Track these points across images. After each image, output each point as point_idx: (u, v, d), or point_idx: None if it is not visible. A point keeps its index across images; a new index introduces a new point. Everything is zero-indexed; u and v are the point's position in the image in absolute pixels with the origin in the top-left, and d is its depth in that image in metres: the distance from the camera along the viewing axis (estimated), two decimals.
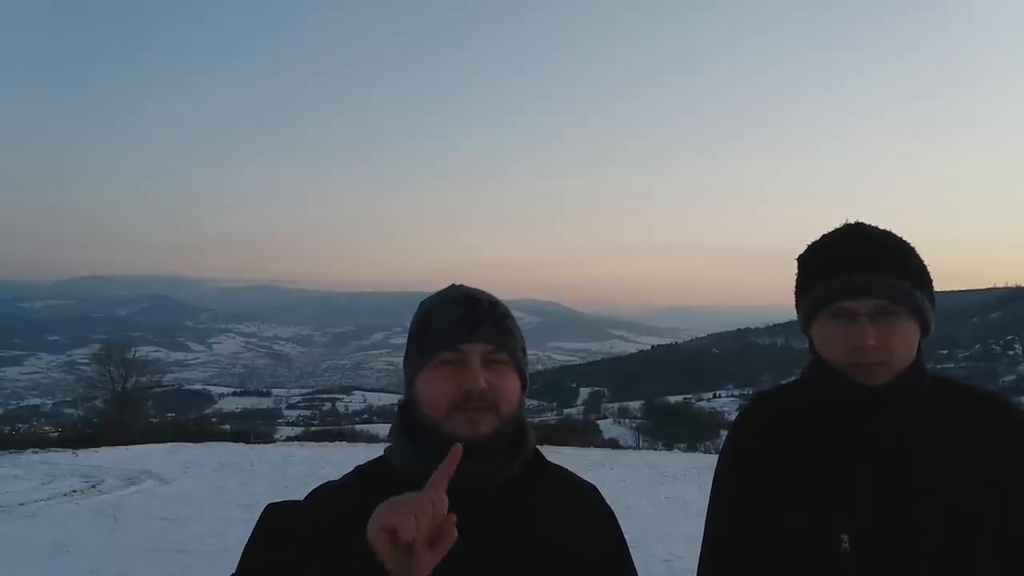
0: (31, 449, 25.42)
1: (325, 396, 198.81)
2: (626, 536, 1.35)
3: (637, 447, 46.40)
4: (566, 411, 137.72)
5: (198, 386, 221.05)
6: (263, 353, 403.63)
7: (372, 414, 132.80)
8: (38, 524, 10.70)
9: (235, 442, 30.28)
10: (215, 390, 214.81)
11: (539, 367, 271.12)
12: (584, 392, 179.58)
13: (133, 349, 44.25)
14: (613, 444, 45.86)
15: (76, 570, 7.71)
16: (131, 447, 24.93)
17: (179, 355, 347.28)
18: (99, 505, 12.72)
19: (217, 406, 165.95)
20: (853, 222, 1.40)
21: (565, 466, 1.35)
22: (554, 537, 1.20)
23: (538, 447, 1.29)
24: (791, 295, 1.44)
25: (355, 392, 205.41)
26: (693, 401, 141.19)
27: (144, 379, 41.26)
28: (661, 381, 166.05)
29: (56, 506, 12.64)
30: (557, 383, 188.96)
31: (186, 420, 66.42)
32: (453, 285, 1.29)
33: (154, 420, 45.49)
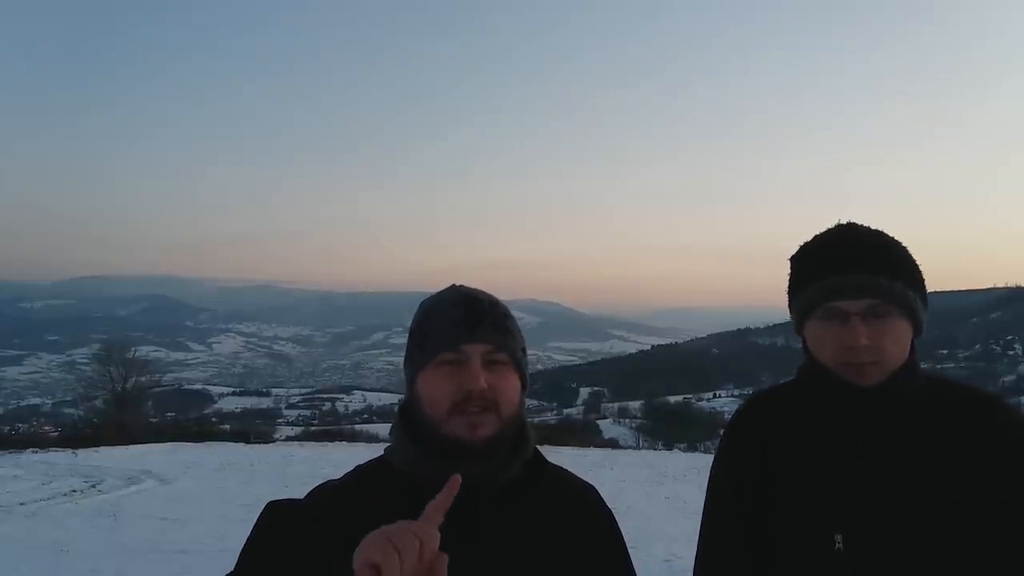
0: (31, 449, 25.43)
1: (325, 396, 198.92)
2: (626, 536, 1.35)
3: (637, 447, 46.35)
4: (566, 411, 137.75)
5: (198, 386, 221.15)
6: (263, 353, 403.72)
7: (372, 414, 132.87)
8: (38, 524, 10.69)
9: (235, 442, 30.29)
10: (215, 390, 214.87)
11: (539, 367, 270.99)
12: (584, 392, 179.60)
13: (133, 349, 44.20)
14: (613, 444, 45.84)
15: (76, 570, 7.71)
16: (131, 447, 24.94)
17: (179, 355, 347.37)
18: (99, 505, 12.72)
19: (217, 406, 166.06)
20: (845, 222, 1.40)
21: (565, 466, 1.35)
22: (553, 537, 1.21)
23: (538, 447, 1.29)
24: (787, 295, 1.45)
25: (355, 392, 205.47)
26: (693, 401, 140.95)
27: (144, 379, 41.27)
28: (661, 381, 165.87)
29: (56, 506, 12.64)
30: (557, 383, 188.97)
31: (186, 420, 66.44)
32: (453, 285, 1.30)
33: (154, 420, 45.48)
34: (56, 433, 45.34)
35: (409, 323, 1.28)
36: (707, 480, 1.52)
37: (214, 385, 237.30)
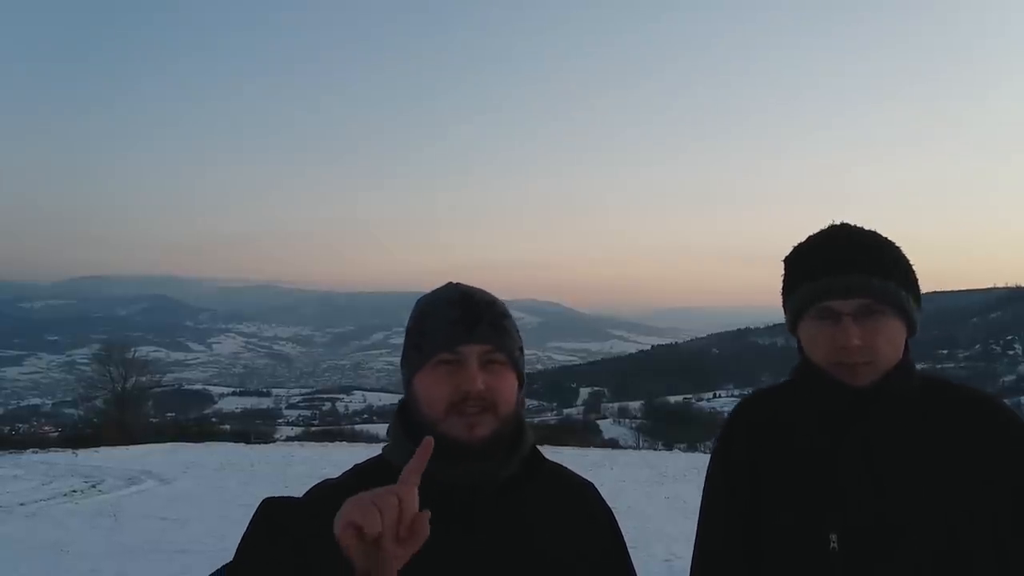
0: (31, 449, 25.43)
1: (325, 396, 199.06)
2: (626, 536, 1.36)
3: (637, 447, 46.46)
4: (566, 411, 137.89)
5: (198, 386, 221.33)
6: (263, 353, 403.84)
7: (372, 414, 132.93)
8: (38, 524, 10.69)
9: (235, 442, 30.31)
10: (215, 390, 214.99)
11: (539, 367, 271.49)
12: (584, 392, 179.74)
13: (133, 349, 44.26)
14: (613, 444, 45.91)
15: (76, 570, 7.71)
16: (131, 447, 24.96)
17: (179, 355, 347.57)
18: (99, 505, 12.72)
19: (217, 406, 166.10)
20: (838, 223, 1.41)
21: (565, 466, 1.36)
22: (551, 535, 1.21)
23: (536, 446, 1.29)
24: None
25: (355, 392, 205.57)
26: (693, 401, 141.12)
27: (144, 379, 41.31)
28: (661, 381, 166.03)
29: (56, 506, 12.64)
30: (557, 383, 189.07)
31: (186, 420, 66.39)
32: (450, 283, 1.29)
33: (154, 420, 45.50)
34: (56, 433, 45.34)
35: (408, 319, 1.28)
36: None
37: (214, 385, 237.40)
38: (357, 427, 63.66)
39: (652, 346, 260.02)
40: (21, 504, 12.65)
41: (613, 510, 1.36)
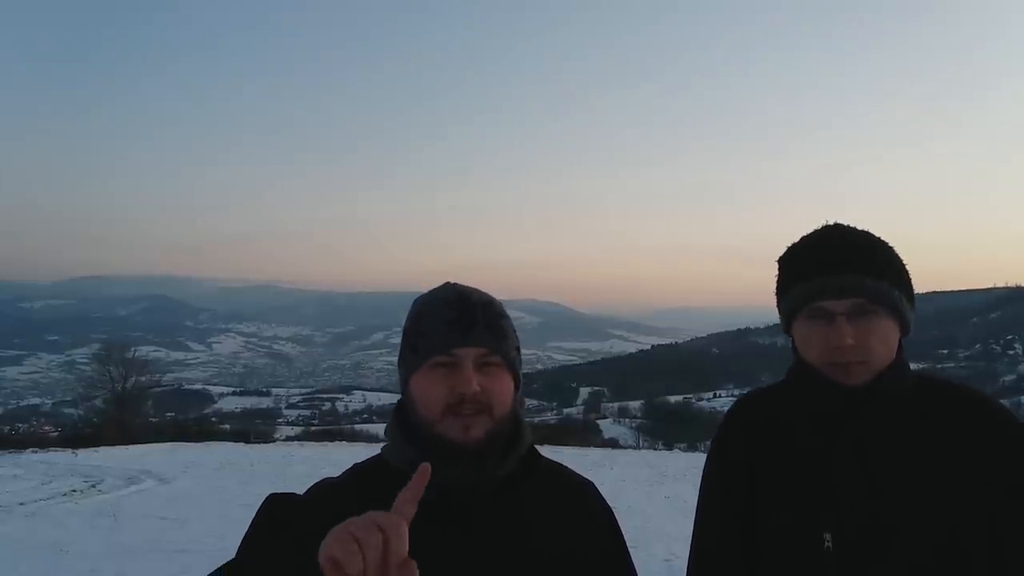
0: (31, 449, 25.43)
1: (325, 396, 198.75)
2: (626, 536, 1.35)
3: (637, 447, 46.36)
4: (566, 411, 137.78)
5: (198, 386, 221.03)
6: (263, 353, 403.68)
7: (372, 414, 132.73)
8: (38, 524, 10.68)
9: (235, 442, 30.27)
10: (215, 390, 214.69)
11: (539, 367, 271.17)
12: (584, 392, 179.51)
13: (133, 349, 44.24)
14: (613, 444, 45.88)
15: (76, 570, 7.70)
16: (131, 447, 24.94)
17: (179, 355, 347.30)
18: (99, 505, 12.70)
19: (217, 406, 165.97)
20: (831, 223, 1.42)
21: (564, 465, 1.36)
22: (549, 534, 1.20)
23: (535, 445, 1.29)
24: None
25: (355, 392, 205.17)
26: (693, 401, 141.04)
27: (144, 379, 41.32)
28: (661, 381, 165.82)
29: (56, 506, 12.62)
30: (557, 383, 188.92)
31: (186, 420, 66.40)
32: (447, 283, 1.28)
33: (154, 420, 45.56)
34: (56, 433, 45.35)
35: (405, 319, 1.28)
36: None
37: (214, 385, 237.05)
38: (357, 427, 63.56)
39: (652, 346, 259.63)
40: (21, 504, 12.64)
41: (613, 510, 1.36)
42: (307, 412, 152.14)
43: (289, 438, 42.53)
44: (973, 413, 1.34)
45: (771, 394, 1.51)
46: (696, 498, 1.53)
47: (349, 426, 65.69)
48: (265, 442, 33.25)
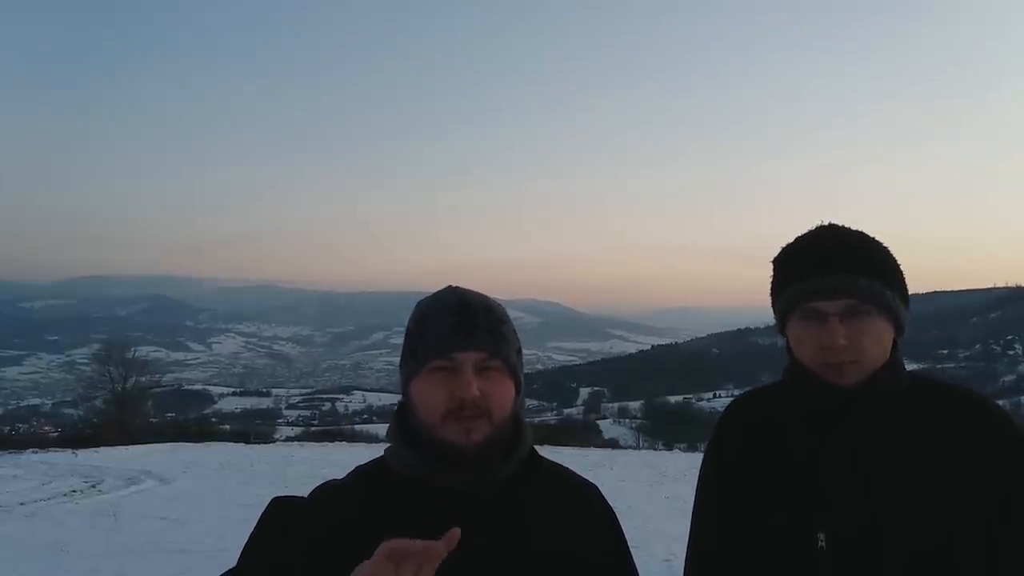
0: (31, 449, 25.46)
1: (325, 396, 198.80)
2: (626, 536, 1.35)
3: (637, 447, 46.38)
4: (566, 411, 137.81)
5: (198, 386, 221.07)
6: (263, 353, 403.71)
7: (372, 414, 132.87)
8: (38, 524, 10.68)
9: (235, 442, 30.32)
10: (215, 390, 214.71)
11: (539, 367, 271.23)
12: (584, 392, 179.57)
13: (133, 349, 44.30)
14: (613, 444, 45.89)
15: (76, 570, 7.71)
16: (131, 447, 24.97)
17: (179, 355, 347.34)
18: (99, 505, 12.71)
19: (217, 406, 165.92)
20: (826, 223, 1.42)
21: (566, 467, 1.37)
22: (550, 536, 1.21)
23: (536, 447, 1.29)
24: None
25: (355, 392, 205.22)
26: (693, 401, 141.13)
27: (144, 379, 41.35)
28: (661, 381, 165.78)
29: (56, 506, 12.63)
30: (557, 383, 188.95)
31: (186, 420, 66.45)
32: (449, 287, 1.29)
33: (154, 420, 45.58)
34: (56, 433, 45.39)
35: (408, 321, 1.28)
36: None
37: (214, 385, 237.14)
38: (357, 427, 63.63)
39: (652, 346, 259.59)
40: (21, 504, 12.65)
41: (613, 510, 1.36)
42: (307, 412, 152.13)
43: (289, 438, 42.53)
44: (969, 414, 1.34)
45: (767, 394, 1.52)
46: None
47: (349, 426, 65.70)
48: (265, 442, 33.27)
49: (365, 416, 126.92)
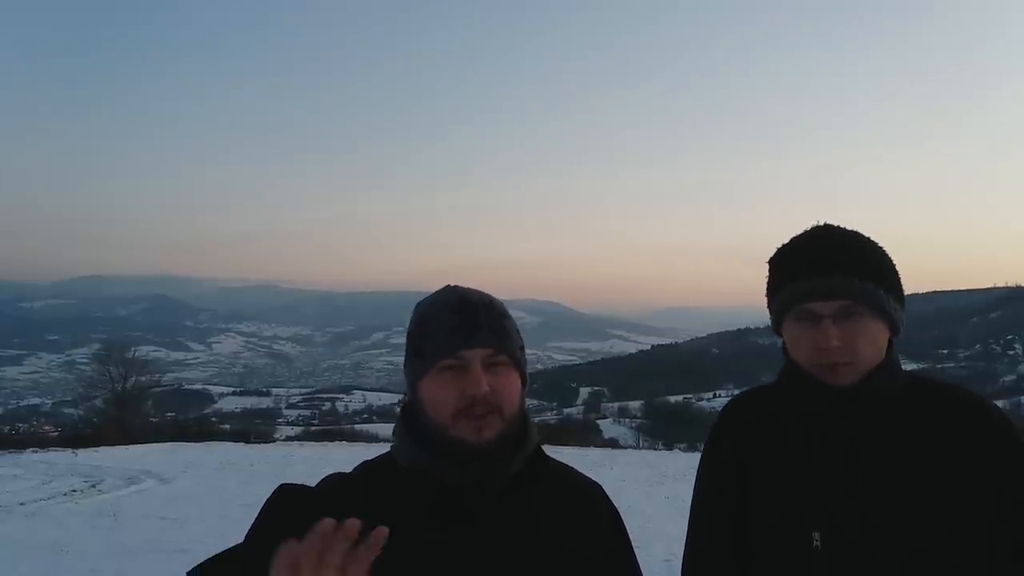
0: (31, 449, 25.43)
1: (325, 396, 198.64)
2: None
3: (637, 447, 46.34)
4: (566, 411, 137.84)
5: (198, 386, 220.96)
6: (263, 353, 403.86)
7: (372, 414, 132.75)
8: (38, 524, 10.67)
9: (235, 442, 30.27)
10: (215, 390, 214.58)
11: (539, 367, 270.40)
12: (584, 392, 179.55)
13: (133, 349, 44.24)
14: (613, 444, 45.85)
15: (76, 570, 7.70)
16: (131, 447, 24.94)
17: (179, 355, 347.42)
18: (99, 505, 12.70)
19: (217, 406, 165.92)
20: (821, 224, 1.42)
21: (572, 467, 1.37)
22: (554, 535, 1.21)
23: (541, 446, 1.29)
24: None
25: (355, 392, 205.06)
26: (693, 401, 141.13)
27: (144, 379, 41.31)
28: (661, 381, 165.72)
29: (56, 506, 12.62)
30: (557, 383, 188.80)
31: (186, 420, 66.39)
32: (448, 287, 1.30)
33: (154, 420, 45.53)
34: (56, 433, 45.34)
35: (407, 324, 1.29)
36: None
37: (214, 385, 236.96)
38: (357, 427, 63.61)
39: (652, 346, 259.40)
40: (21, 504, 12.64)
41: (618, 510, 1.36)
42: (307, 412, 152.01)
43: (289, 438, 42.53)
44: (965, 414, 1.34)
45: (763, 394, 1.53)
46: None
47: (349, 426, 65.69)
48: (265, 442, 33.23)
49: (365, 416, 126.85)
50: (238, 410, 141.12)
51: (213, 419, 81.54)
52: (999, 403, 1.38)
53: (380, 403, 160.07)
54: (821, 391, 1.35)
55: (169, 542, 9.23)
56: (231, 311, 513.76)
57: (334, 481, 1.22)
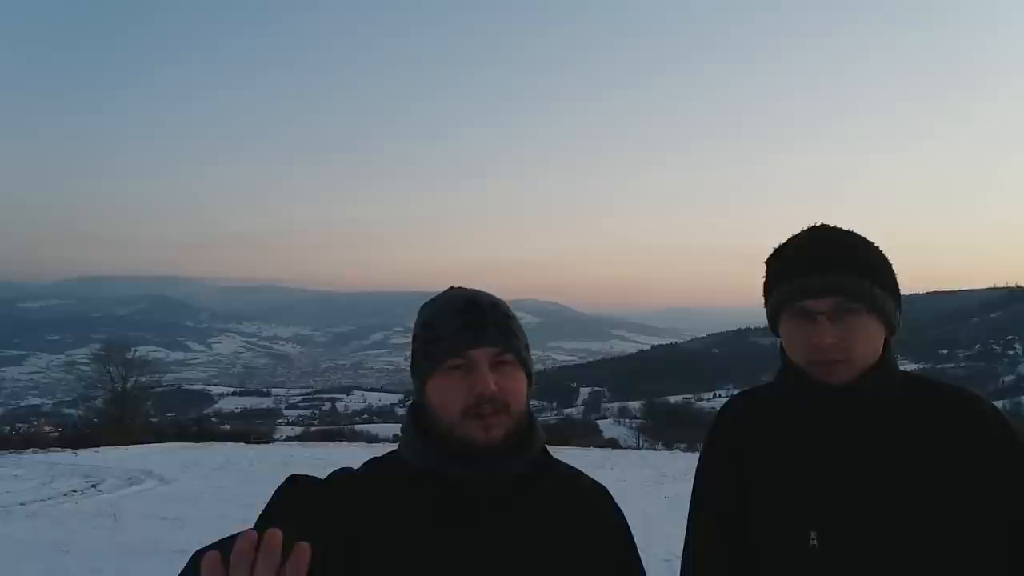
0: (31, 449, 25.40)
1: (325, 396, 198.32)
2: None
3: (637, 447, 46.31)
4: (566, 411, 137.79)
5: (198, 386, 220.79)
6: (263, 353, 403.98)
7: (372, 414, 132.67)
8: (38, 524, 10.67)
9: (235, 442, 30.23)
10: (215, 390, 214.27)
11: (539, 367, 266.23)
12: (584, 392, 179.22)
13: (133, 349, 44.15)
14: (613, 444, 45.73)
15: (76, 570, 7.71)
16: (131, 447, 24.92)
17: (179, 355, 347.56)
18: (99, 505, 12.70)
19: (217, 406, 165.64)
20: (818, 224, 1.43)
21: (579, 469, 1.37)
22: (559, 535, 1.21)
23: (547, 446, 1.30)
24: None
25: (355, 392, 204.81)
26: (693, 401, 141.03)
27: (144, 379, 41.21)
28: (661, 381, 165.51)
29: (56, 506, 12.62)
30: (557, 383, 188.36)
31: (186, 420, 66.29)
32: (452, 288, 1.31)
33: (154, 420, 45.44)
34: (56, 433, 45.29)
35: (409, 323, 1.29)
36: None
37: (214, 385, 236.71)
38: (357, 427, 63.61)
39: (652, 346, 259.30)
40: (21, 504, 12.64)
41: (623, 513, 1.36)
42: (307, 412, 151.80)
43: (289, 438, 42.43)
44: (961, 413, 1.34)
45: (761, 393, 1.53)
46: None
47: (349, 426, 65.59)
48: (265, 442, 33.17)
49: (365, 416, 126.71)
50: (238, 410, 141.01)
51: (213, 419, 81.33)
52: (999, 403, 1.44)
53: (380, 403, 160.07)
54: (817, 389, 1.35)
55: (169, 542, 9.22)
56: (231, 311, 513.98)
57: (343, 476, 1.23)
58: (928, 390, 1.39)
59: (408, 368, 1.31)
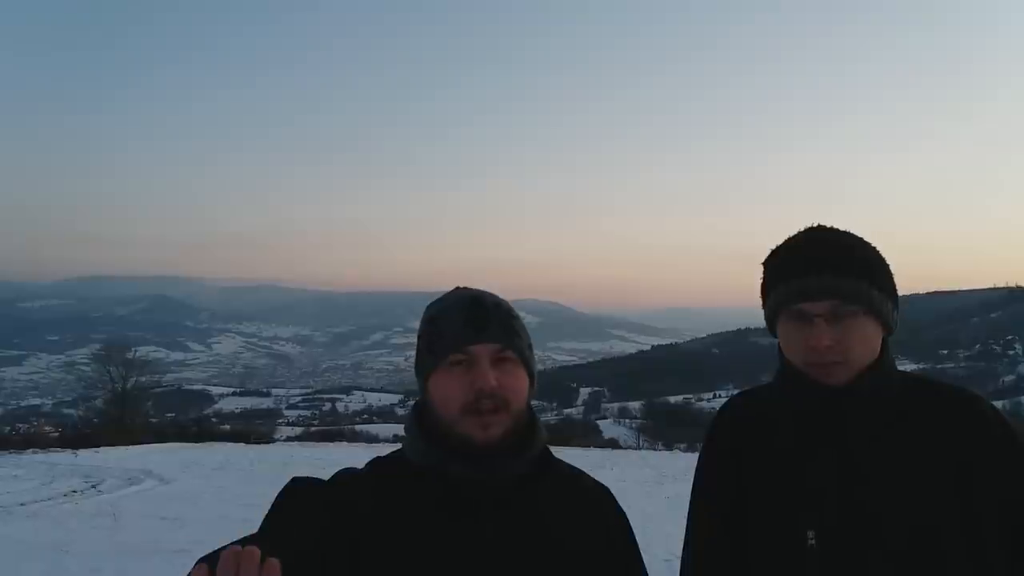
0: (31, 449, 25.40)
1: (325, 396, 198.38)
2: None
3: (637, 447, 46.32)
4: (566, 411, 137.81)
5: (198, 386, 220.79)
6: (263, 353, 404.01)
7: (372, 414, 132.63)
8: (38, 524, 10.68)
9: (235, 442, 30.25)
10: (215, 390, 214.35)
11: (539, 367, 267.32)
12: (584, 392, 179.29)
13: (133, 349, 44.19)
14: (613, 444, 45.74)
15: (76, 570, 7.71)
16: (131, 447, 24.94)
17: (179, 355, 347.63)
18: (99, 505, 12.71)
19: (217, 406, 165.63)
20: (815, 225, 1.43)
21: (581, 469, 1.38)
22: (560, 534, 1.22)
23: (548, 446, 1.31)
24: None
25: (355, 392, 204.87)
26: (693, 401, 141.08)
27: (144, 379, 41.23)
28: (661, 381, 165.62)
29: (56, 506, 12.63)
30: (557, 383, 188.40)
31: (186, 420, 66.30)
32: (458, 288, 1.33)
33: (154, 420, 45.44)
34: (56, 433, 45.31)
35: (409, 323, 1.81)
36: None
37: (214, 385, 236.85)
38: (357, 427, 63.62)
39: (652, 346, 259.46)
40: (21, 504, 12.65)
41: (626, 514, 1.37)
42: (307, 412, 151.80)
43: (289, 438, 42.43)
44: (959, 412, 1.34)
45: (760, 394, 1.54)
46: None
47: (349, 426, 65.60)
48: (265, 442, 33.19)
49: (365, 416, 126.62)
50: (238, 410, 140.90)
51: (213, 419, 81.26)
52: (999, 403, 1.70)
53: (380, 403, 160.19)
54: (814, 390, 1.36)
55: (169, 542, 9.23)
56: (231, 311, 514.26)
57: (346, 476, 1.24)
58: (928, 390, 1.39)
59: (409, 368, 1.31)
